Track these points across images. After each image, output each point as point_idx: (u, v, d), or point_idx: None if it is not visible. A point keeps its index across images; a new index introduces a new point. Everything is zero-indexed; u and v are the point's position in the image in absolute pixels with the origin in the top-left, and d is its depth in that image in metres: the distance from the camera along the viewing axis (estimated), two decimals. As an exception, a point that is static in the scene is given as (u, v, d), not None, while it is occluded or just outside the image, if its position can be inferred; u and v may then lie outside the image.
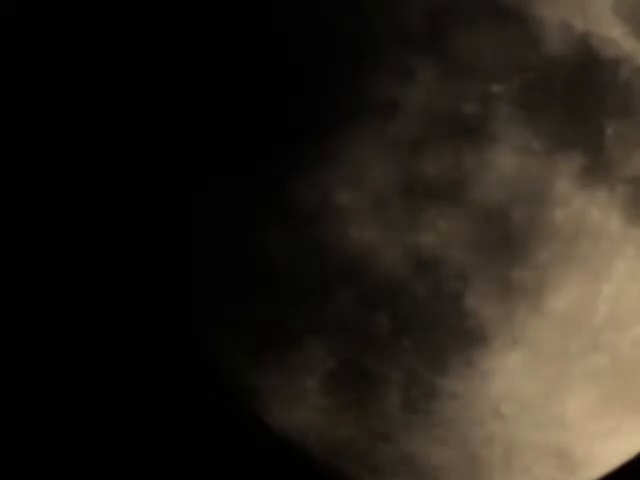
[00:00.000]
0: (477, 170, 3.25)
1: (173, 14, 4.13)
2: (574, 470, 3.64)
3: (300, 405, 3.58)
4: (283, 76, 3.40)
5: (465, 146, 3.25)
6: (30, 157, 4.48)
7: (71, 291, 4.47)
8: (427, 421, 3.47)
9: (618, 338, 3.40)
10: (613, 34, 3.37)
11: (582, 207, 3.29)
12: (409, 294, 3.30)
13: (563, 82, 3.29)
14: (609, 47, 3.35)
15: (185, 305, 3.79)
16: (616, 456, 3.72)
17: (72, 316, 4.48)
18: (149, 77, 4.29)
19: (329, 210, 3.30)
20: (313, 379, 3.48)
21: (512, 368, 3.36)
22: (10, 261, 4.49)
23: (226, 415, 3.94)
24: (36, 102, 4.48)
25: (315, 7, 3.46)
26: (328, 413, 3.54)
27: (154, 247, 3.87)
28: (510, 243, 3.27)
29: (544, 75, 3.28)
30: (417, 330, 3.33)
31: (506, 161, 3.25)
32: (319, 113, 3.33)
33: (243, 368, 3.65)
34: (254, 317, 3.49)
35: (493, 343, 3.34)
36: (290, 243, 3.37)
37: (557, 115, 3.27)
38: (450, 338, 3.33)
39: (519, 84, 3.27)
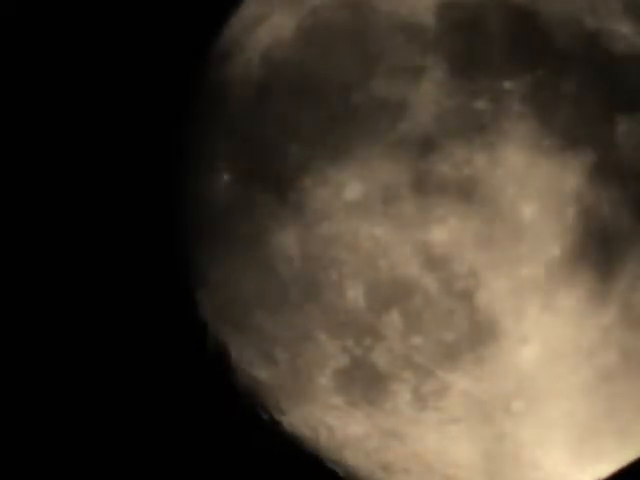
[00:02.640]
0: (488, 167, 3.25)
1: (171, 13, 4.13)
2: (585, 468, 3.64)
3: (311, 402, 3.58)
4: (296, 76, 3.41)
5: (476, 143, 3.25)
6: (30, 154, 4.49)
7: (74, 281, 4.48)
8: (438, 418, 3.47)
9: (628, 336, 3.40)
10: (624, 30, 3.37)
11: (593, 204, 3.28)
12: (420, 291, 3.30)
13: (574, 78, 3.29)
14: (620, 43, 3.35)
15: (196, 302, 3.79)
16: (626, 454, 3.72)
17: (74, 307, 4.48)
18: (150, 77, 4.29)
19: (340, 207, 3.30)
20: (324, 376, 3.48)
21: (523, 365, 3.36)
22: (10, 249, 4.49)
23: (237, 412, 3.94)
24: (36, 101, 4.48)
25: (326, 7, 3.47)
26: (339, 410, 3.54)
27: (166, 247, 3.87)
28: (521, 240, 3.26)
29: (555, 71, 3.28)
30: (428, 327, 3.33)
31: (517, 158, 3.25)
32: (331, 111, 3.33)
33: (254, 365, 3.65)
34: (265, 314, 3.50)
35: (504, 340, 3.33)
36: (301, 239, 3.37)
37: (568, 112, 3.27)
38: (461, 335, 3.33)
39: (530, 80, 3.27)
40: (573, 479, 3.66)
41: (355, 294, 3.35)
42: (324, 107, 3.35)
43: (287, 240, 3.40)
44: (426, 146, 3.26)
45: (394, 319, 3.34)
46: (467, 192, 3.25)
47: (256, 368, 3.65)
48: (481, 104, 3.26)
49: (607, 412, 3.49)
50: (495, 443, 3.50)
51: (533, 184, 3.25)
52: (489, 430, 3.47)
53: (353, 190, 3.30)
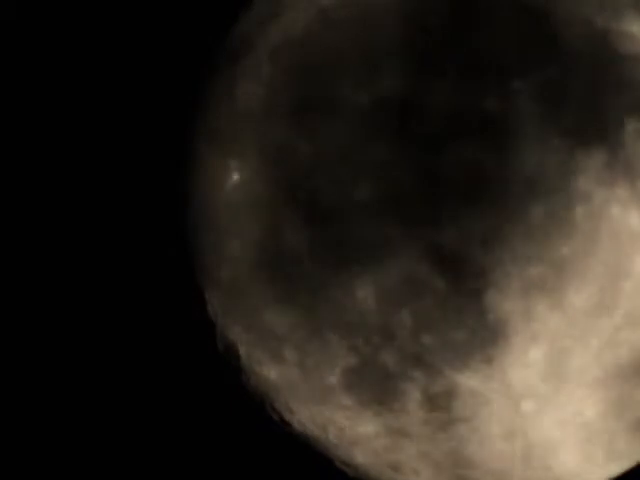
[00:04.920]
0: (497, 166, 3.25)
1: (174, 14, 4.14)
2: (595, 467, 3.63)
3: (321, 402, 3.58)
4: (305, 75, 3.41)
5: (485, 142, 3.25)
6: (30, 153, 4.50)
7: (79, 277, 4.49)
8: (447, 418, 3.47)
9: (637, 334, 3.40)
10: (633, 30, 3.37)
11: (602, 203, 3.28)
12: (430, 290, 3.30)
13: (583, 78, 3.29)
14: (629, 43, 3.35)
15: (205, 301, 3.80)
16: (637, 453, 3.72)
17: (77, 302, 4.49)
18: (160, 75, 4.29)
19: (350, 206, 3.31)
20: (334, 376, 3.48)
21: (532, 364, 3.36)
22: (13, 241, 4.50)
23: (246, 412, 3.94)
24: (36, 101, 4.49)
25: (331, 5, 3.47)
26: (349, 410, 3.54)
27: (175, 246, 3.88)
28: (530, 239, 3.26)
29: (564, 71, 3.28)
30: (437, 327, 3.33)
31: (526, 157, 3.25)
32: (340, 110, 3.33)
33: (263, 364, 3.65)
34: (275, 314, 3.50)
35: (513, 339, 3.34)
36: (310, 239, 3.37)
37: (577, 111, 3.27)
38: (470, 335, 3.33)
39: (539, 80, 3.27)
40: (583, 479, 3.65)
41: (365, 294, 3.35)
42: (333, 106, 3.35)
43: (297, 239, 3.40)
44: (435, 145, 3.26)
45: (404, 318, 3.34)
46: (477, 191, 3.25)
47: (266, 368, 3.65)
48: (490, 103, 3.26)
49: (617, 411, 3.49)
50: (504, 443, 3.50)
51: (542, 183, 3.25)
52: (498, 430, 3.47)
53: (363, 190, 3.30)
